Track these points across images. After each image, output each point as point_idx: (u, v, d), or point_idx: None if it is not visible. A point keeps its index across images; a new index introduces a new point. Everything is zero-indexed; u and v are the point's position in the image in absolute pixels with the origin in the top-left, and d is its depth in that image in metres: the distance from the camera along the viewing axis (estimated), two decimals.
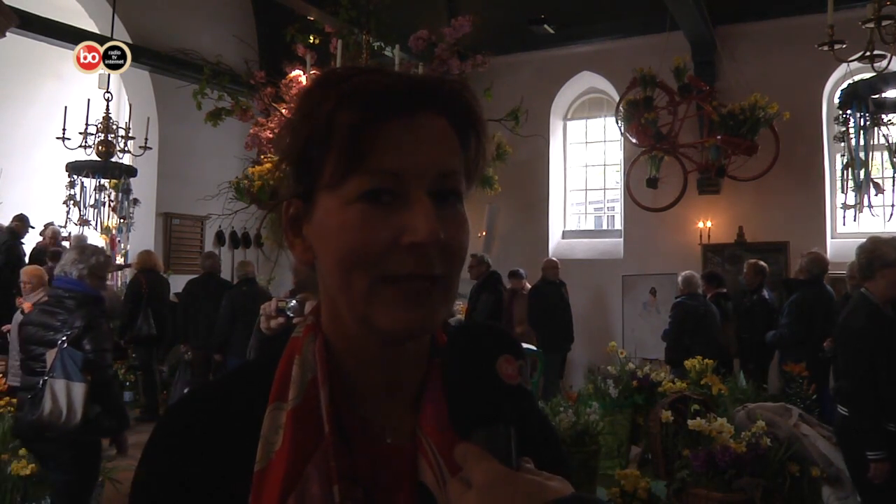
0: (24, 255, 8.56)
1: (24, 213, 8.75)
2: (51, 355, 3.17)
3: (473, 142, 0.69)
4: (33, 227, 8.77)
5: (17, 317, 5.70)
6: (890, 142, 5.51)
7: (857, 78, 5.19)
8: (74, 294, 3.30)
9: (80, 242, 3.84)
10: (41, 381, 3.14)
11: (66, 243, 8.95)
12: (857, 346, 3.27)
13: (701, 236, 8.59)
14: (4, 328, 6.08)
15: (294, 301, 2.32)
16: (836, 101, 5.77)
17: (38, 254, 8.55)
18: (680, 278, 6.79)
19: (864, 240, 3.42)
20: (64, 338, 3.18)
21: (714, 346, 6.17)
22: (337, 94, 0.64)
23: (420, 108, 0.64)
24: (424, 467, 0.66)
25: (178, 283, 8.01)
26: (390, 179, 0.63)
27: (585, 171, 10.25)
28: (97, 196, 7.78)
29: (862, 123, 5.09)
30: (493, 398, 0.58)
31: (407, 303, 0.63)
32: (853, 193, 5.59)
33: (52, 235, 8.72)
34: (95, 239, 9.59)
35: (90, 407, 3.14)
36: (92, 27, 8.45)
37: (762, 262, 6.66)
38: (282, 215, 0.70)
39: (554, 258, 8.36)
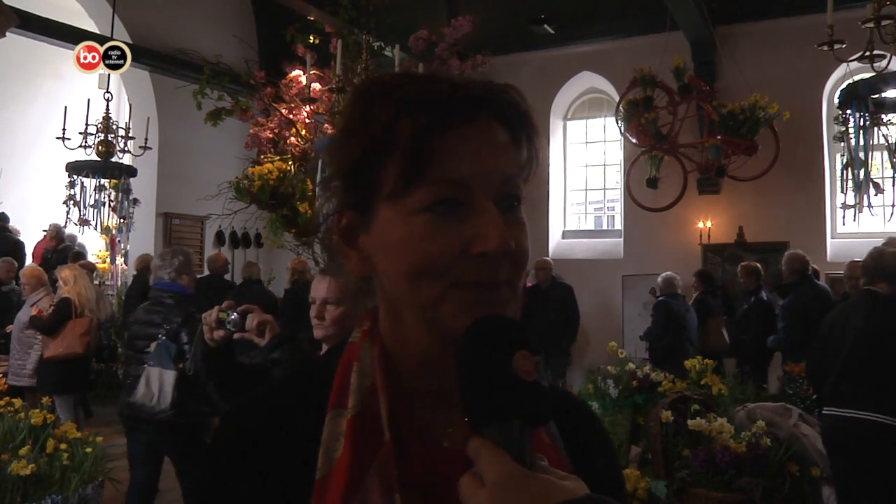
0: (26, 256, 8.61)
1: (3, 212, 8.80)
2: (153, 348, 3.62)
3: (526, 144, 0.68)
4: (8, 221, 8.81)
5: (20, 317, 5.71)
6: (890, 142, 5.50)
7: (857, 78, 5.18)
8: (172, 294, 3.79)
9: (165, 250, 4.30)
10: (141, 370, 3.61)
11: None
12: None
13: (701, 236, 8.59)
14: (8, 328, 6.08)
15: (235, 314, 2.24)
16: (836, 101, 5.76)
17: (48, 254, 8.57)
18: (660, 279, 6.96)
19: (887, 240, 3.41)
20: (163, 332, 3.62)
21: (694, 345, 6.37)
22: (397, 102, 0.63)
23: (479, 115, 0.64)
24: None
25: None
26: (457, 189, 0.62)
27: (585, 171, 10.25)
28: (97, 196, 7.76)
29: (862, 123, 5.08)
30: (508, 394, 0.57)
31: (476, 305, 0.63)
32: (853, 193, 5.57)
33: (53, 234, 8.74)
34: (95, 239, 9.61)
35: (180, 393, 3.54)
36: (92, 27, 8.45)
37: (755, 263, 6.72)
38: (333, 227, 0.69)
39: (546, 259, 8.04)
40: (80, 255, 7.93)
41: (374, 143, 0.63)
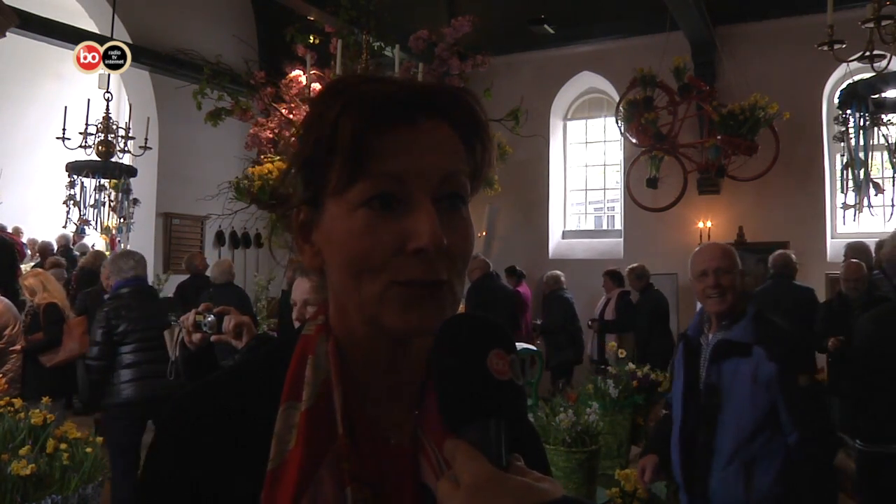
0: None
1: None
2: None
3: (478, 146, 0.70)
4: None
5: None
6: (890, 142, 5.49)
7: (857, 78, 5.18)
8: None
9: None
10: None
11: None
12: None
13: (701, 236, 8.58)
14: None
15: (211, 316, 2.19)
16: (836, 101, 5.75)
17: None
18: (547, 276, 7.76)
19: None
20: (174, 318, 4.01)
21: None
22: (342, 102, 0.65)
23: (422, 115, 0.65)
24: (426, 468, 0.67)
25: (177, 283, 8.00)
26: (393, 183, 0.64)
27: (585, 171, 10.25)
28: (97, 196, 7.76)
29: (862, 123, 5.07)
30: (482, 394, 0.57)
31: (415, 305, 0.64)
32: (853, 193, 5.57)
33: (40, 250, 8.69)
34: (96, 239, 9.61)
35: None
36: (92, 27, 8.44)
37: (641, 265, 7.10)
38: (292, 222, 0.71)
39: (480, 257, 7.43)
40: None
41: (322, 140, 0.65)
